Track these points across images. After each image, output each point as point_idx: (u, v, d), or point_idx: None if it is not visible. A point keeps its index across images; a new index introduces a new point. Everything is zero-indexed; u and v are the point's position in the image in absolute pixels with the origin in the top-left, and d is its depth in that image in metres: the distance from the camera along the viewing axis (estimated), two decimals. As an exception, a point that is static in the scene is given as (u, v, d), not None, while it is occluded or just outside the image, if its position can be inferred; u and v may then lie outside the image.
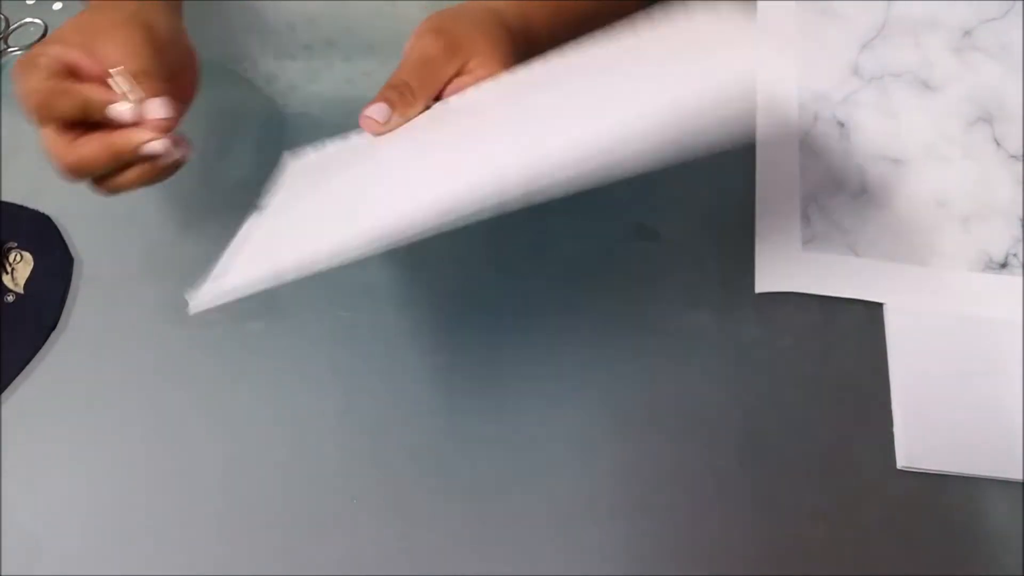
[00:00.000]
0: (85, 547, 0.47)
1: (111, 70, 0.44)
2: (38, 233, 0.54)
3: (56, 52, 0.44)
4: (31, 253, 0.54)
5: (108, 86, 0.44)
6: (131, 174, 0.45)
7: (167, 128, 0.43)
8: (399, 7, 0.61)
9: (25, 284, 0.53)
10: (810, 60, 0.60)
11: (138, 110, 0.43)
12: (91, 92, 0.43)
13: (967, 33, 0.60)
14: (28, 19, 0.62)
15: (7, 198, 0.56)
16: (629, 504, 0.48)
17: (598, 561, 0.47)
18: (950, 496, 0.49)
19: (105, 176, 0.45)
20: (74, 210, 0.55)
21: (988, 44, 0.60)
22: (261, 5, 0.61)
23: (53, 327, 0.52)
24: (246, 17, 0.62)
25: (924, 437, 0.50)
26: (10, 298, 0.52)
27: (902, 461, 0.49)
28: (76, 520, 0.47)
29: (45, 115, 0.44)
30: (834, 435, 0.50)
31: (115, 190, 0.45)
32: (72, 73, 0.44)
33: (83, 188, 0.45)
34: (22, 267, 0.53)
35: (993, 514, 0.48)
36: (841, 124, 0.58)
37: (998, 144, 0.57)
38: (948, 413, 0.50)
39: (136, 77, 0.44)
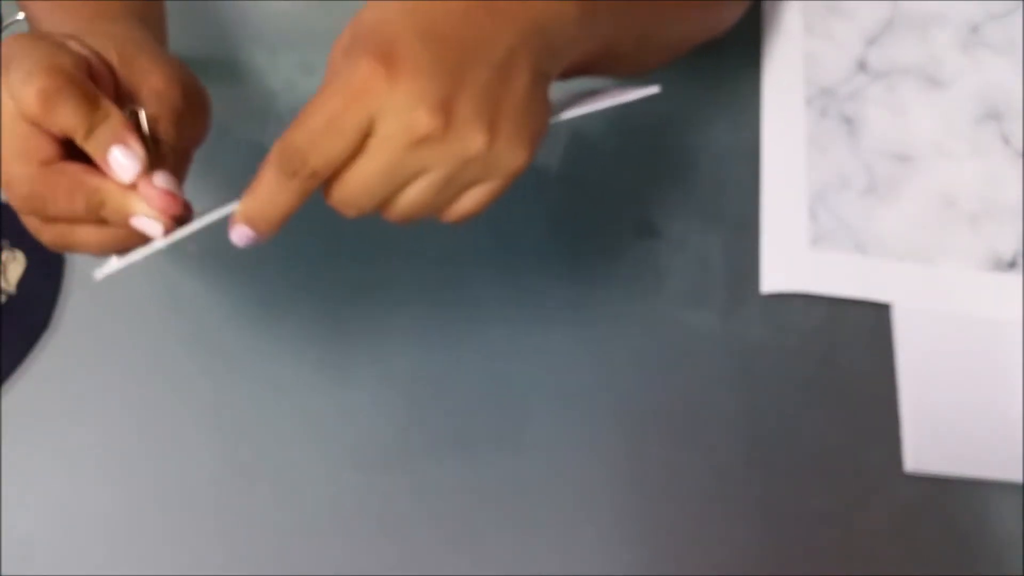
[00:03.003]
0: (80, 548, 0.47)
1: (138, 109, 0.36)
2: (29, 232, 0.54)
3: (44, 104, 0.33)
4: (23, 252, 0.53)
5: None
6: (94, 235, 0.36)
7: (174, 210, 0.35)
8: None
9: (17, 284, 0.52)
10: (816, 55, 0.59)
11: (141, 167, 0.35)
12: (110, 190, 0.35)
13: (974, 29, 0.60)
14: (20, 16, 0.61)
15: (-1, 197, 0.55)
16: (632, 507, 0.48)
17: (601, 564, 0.47)
18: (958, 499, 0.48)
19: (62, 220, 0.36)
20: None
21: (995, 40, 0.60)
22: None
23: (45, 327, 0.51)
24: (237, 10, 0.61)
25: (932, 439, 0.49)
26: (3, 299, 0.52)
27: (910, 464, 0.49)
28: (70, 521, 0.47)
29: (36, 212, 0.35)
30: (841, 437, 0.50)
31: (62, 244, 0.37)
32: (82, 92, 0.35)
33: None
34: (14, 267, 0.53)
35: (1001, 517, 0.48)
36: (848, 120, 0.57)
37: (1006, 141, 0.57)
38: (956, 415, 0.50)
39: (160, 118, 0.36)
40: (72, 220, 0.36)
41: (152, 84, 0.37)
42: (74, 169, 0.35)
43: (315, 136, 0.33)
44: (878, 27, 0.60)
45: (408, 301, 0.53)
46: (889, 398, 0.50)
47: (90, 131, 0.34)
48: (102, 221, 0.36)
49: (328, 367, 0.51)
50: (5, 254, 0.53)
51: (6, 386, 0.50)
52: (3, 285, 0.52)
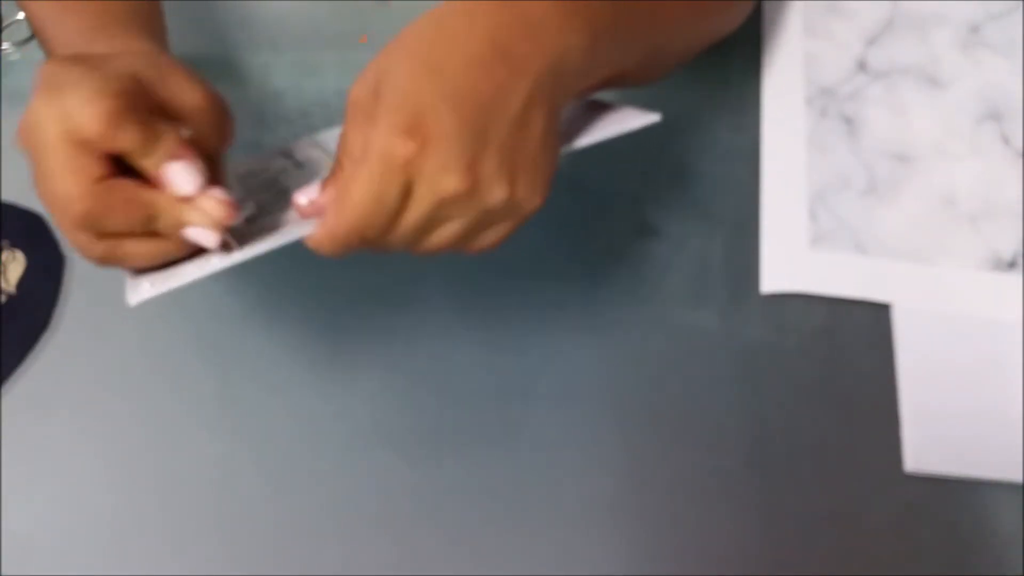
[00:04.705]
0: (80, 548, 0.46)
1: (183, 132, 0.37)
2: (29, 232, 0.54)
3: (99, 121, 0.34)
4: (22, 252, 0.53)
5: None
6: (143, 248, 0.37)
7: (232, 219, 0.37)
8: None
9: (17, 284, 0.52)
10: (816, 55, 0.59)
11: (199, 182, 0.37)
12: (164, 203, 0.36)
13: (974, 29, 0.60)
14: (20, 16, 0.61)
15: (-2, 197, 0.55)
16: (632, 507, 0.48)
17: (600, 564, 0.46)
18: (958, 499, 0.48)
19: (112, 235, 0.37)
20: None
21: (995, 40, 0.59)
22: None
23: (45, 327, 0.51)
24: (239, 11, 0.61)
25: (932, 440, 0.49)
26: (3, 299, 0.52)
27: (910, 464, 0.49)
28: (70, 521, 0.47)
29: (92, 229, 0.36)
30: (841, 437, 0.50)
31: (111, 259, 0.37)
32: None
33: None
34: (14, 266, 0.53)
35: (1001, 517, 0.48)
36: (848, 120, 0.57)
37: (1006, 141, 0.57)
38: (956, 415, 0.50)
39: (206, 132, 0.38)
40: (124, 234, 0.37)
41: (192, 101, 0.38)
42: (126, 184, 0.36)
43: (367, 217, 0.37)
44: (878, 27, 0.60)
45: (409, 302, 0.52)
46: (889, 398, 0.50)
47: (146, 150, 0.36)
48: (153, 234, 0.37)
49: (329, 367, 0.51)
50: (5, 254, 0.53)
51: (6, 386, 0.50)
52: (3, 285, 0.52)
